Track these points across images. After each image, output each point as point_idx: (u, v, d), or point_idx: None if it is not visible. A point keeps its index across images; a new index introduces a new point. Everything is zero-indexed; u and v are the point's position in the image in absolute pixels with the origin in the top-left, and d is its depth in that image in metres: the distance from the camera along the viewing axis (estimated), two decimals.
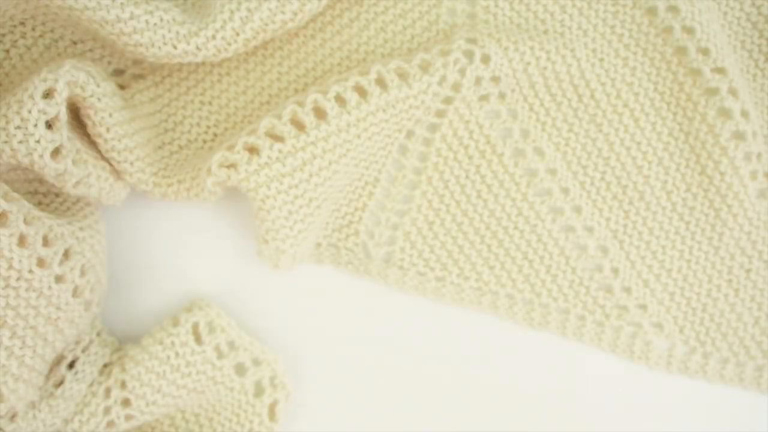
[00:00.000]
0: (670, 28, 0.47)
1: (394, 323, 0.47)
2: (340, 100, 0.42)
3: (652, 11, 0.48)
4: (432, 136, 0.47)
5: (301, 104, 0.42)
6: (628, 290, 0.48)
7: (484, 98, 0.46)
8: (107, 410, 0.42)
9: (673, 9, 0.47)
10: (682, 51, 0.47)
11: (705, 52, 0.46)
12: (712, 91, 0.46)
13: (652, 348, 0.48)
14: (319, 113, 0.42)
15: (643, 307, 0.48)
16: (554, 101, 0.48)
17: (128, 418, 0.42)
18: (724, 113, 0.46)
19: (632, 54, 0.48)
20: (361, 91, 0.43)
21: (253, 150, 0.41)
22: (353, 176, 0.46)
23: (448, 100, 0.46)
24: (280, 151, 0.41)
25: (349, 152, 0.43)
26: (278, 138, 0.42)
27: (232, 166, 0.41)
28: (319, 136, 0.42)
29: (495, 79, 0.45)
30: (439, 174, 0.47)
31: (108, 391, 0.42)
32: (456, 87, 0.45)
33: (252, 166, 0.41)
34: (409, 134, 0.47)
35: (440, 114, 0.46)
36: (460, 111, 0.46)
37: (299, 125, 0.42)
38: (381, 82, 0.43)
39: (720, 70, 0.46)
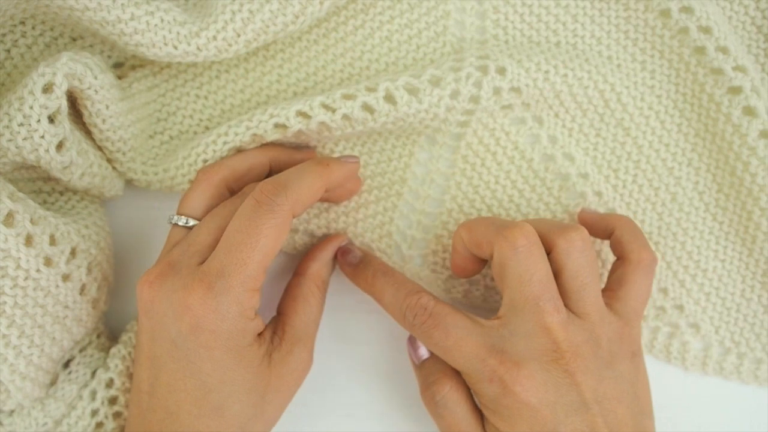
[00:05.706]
0: (686, 29, 0.46)
1: (395, 323, 0.45)
2: (347, 118, 0.42)
3: (665, 13, 0.47)
4: (457, 144, 0.46)
5: (305, 116, 0.42)
6: (664, 291, 0.47)
7: (507, 107, 0.45)
8: (94, 413, 0.41)
9: (687, 10, 0.46)
10: (700, 51, 0.46)
11: (724, 50, 0.45)
12: (736, 90, 0.45)
13: (689, 349, 0.47)
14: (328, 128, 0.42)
15: (680, 307, 0.47)
16: (580, 108, 0.47)
17: (116, 416, 0.42)
18: (750, 112, 0.45)
19: (649, 57, 0.47)
20: (369, 110, 0.42)
21: None
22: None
23: (468, 112, 0.45)
24: None
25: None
26: None
27: None
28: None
29: (516, 90, 0.44)
30: (468, 180, 0.46)
31: (93, 394, 0.41)
32: (474, 100, 0.43)
33: None
34: (432, 141, 0.46)
35: (463, 124, 0.46)
36: (483, 120, 0.46)
37: None
38: (390, 99, 0.42)
39: (741, 68, 0.45)
